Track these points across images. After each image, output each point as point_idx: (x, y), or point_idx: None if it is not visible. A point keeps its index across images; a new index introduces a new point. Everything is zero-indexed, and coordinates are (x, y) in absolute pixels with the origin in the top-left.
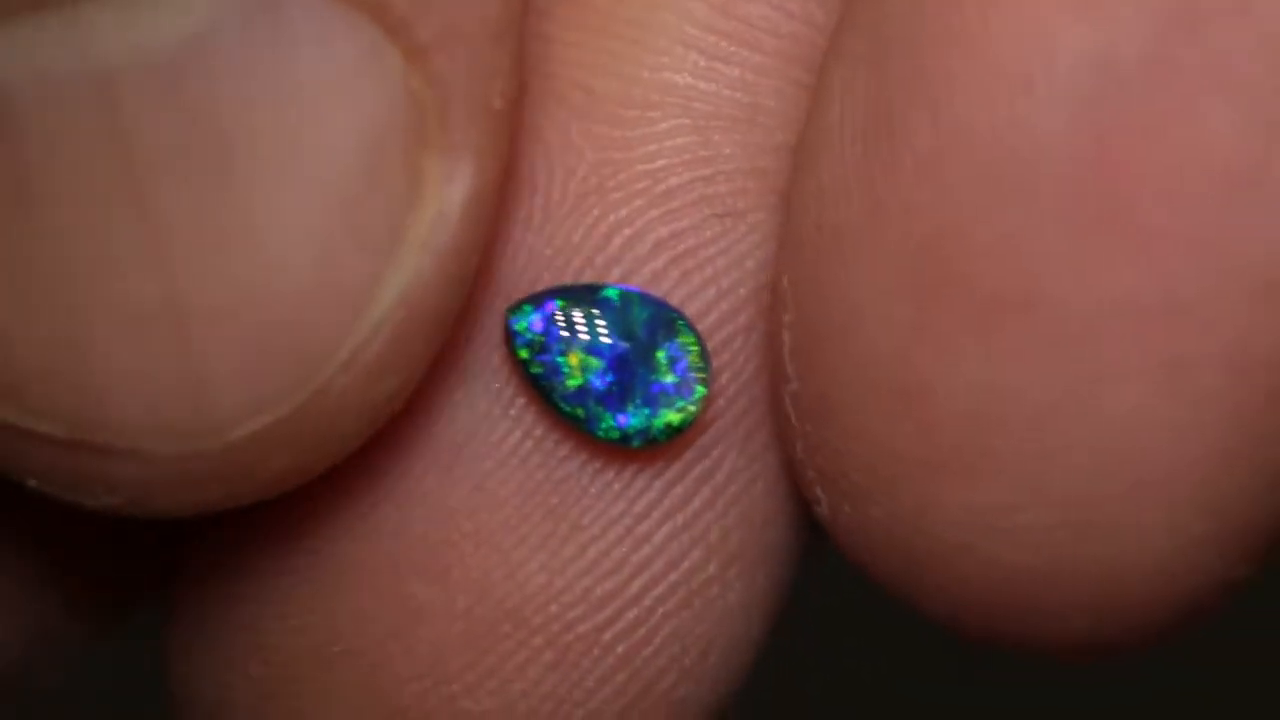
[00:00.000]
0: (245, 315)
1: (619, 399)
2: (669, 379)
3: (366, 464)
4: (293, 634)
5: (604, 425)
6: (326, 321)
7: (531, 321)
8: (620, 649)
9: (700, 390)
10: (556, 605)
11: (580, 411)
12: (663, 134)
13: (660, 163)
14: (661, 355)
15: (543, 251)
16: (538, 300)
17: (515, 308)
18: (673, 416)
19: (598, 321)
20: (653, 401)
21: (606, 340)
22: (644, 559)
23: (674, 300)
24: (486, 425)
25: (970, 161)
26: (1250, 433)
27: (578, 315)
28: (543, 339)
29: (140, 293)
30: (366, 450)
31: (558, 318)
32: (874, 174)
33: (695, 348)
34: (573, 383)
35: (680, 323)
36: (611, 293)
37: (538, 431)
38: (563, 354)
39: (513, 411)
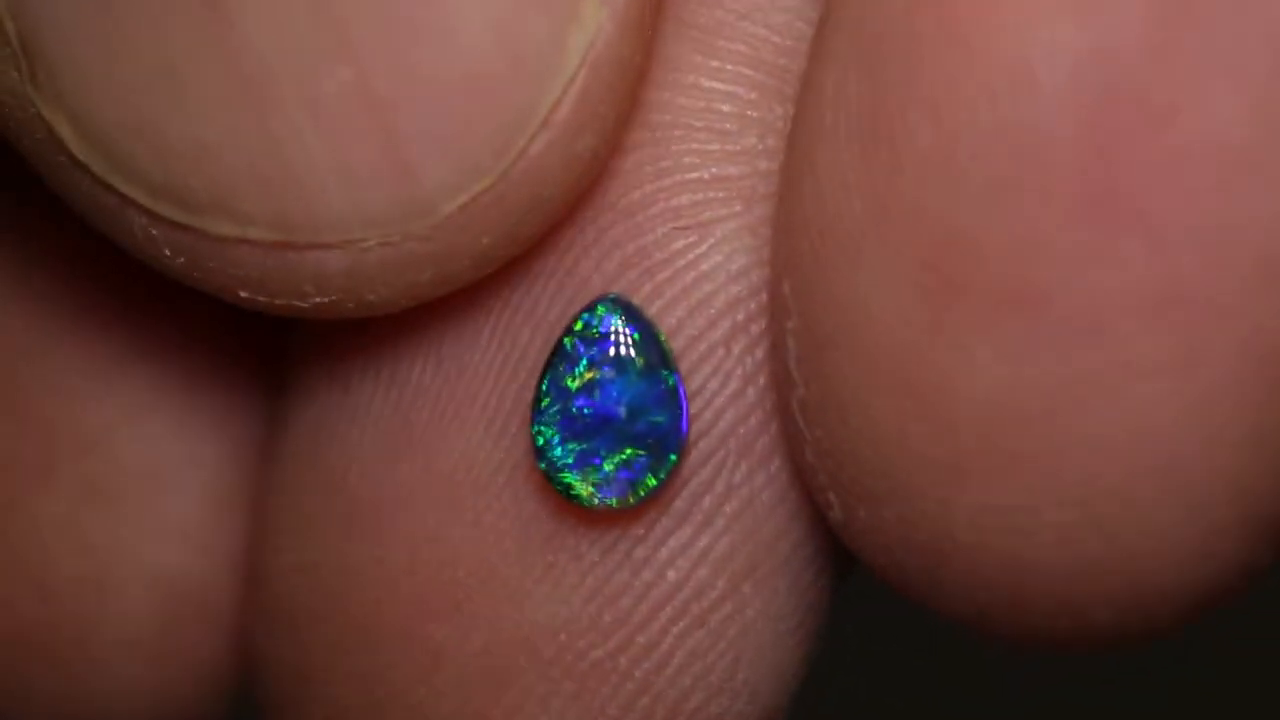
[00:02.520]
0: (436, 90)
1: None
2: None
3: (377, 505)
4: (341, 682)
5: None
6: (517, 85)
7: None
8: (638, 673)
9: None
10: (565, 634)
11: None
12: (622, 147)
13: (621, 177)
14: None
15: (517, 276)
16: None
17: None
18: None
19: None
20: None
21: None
22: (646, 582)
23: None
24: (480, 458)
25: (974, 160)
26: (1269, 417)
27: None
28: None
29: (332, 82)
30: (376, 492)
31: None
32: (875, 176)
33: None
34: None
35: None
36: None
37: (527, 461)
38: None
39: (503, 442)
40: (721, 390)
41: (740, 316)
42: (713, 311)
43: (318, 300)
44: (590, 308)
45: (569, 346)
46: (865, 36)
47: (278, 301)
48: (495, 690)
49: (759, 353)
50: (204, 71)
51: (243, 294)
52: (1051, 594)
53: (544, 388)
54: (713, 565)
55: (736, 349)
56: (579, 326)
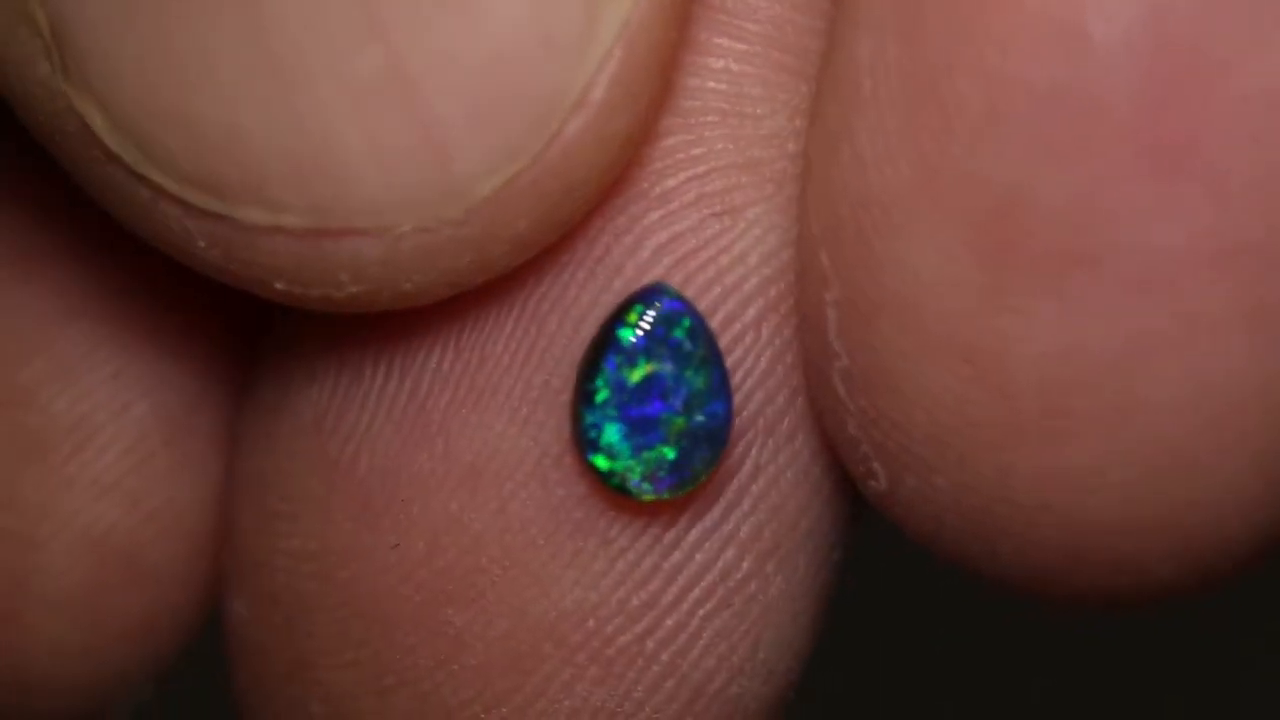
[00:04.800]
0: (468, 72)
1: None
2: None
3: (391, 493)
4: (347, 669)
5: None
6: (549, 67)
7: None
8: (665, 656)
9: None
10: (594, 620)
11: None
12: (652, 135)
13: (652, 165)
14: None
15: (545, 265)
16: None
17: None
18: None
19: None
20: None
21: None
22: (675, 565)
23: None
24: (504, 447)
25: (1027, 119)
26: None
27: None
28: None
29: (364, 64)
30: (390, 478)
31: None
32: (923, 141)
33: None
34: (635, 376)
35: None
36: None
37: (555, 449)
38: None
39: (529, 430)
40: (753, 371)
41: (771, 296)
42: (745, 294)
43: (353, 290)
44: (643, 297)
45: (626, 338)
46: (904, 2)
47: (313, 292)
48: (517, 676)
49: (787, 331)
50: (235, 56)
51: (278, 285)
52: (1111, 553)
53: (598, 380)
54: (740, 546)
55: (766, 330)
56: (633, 317)
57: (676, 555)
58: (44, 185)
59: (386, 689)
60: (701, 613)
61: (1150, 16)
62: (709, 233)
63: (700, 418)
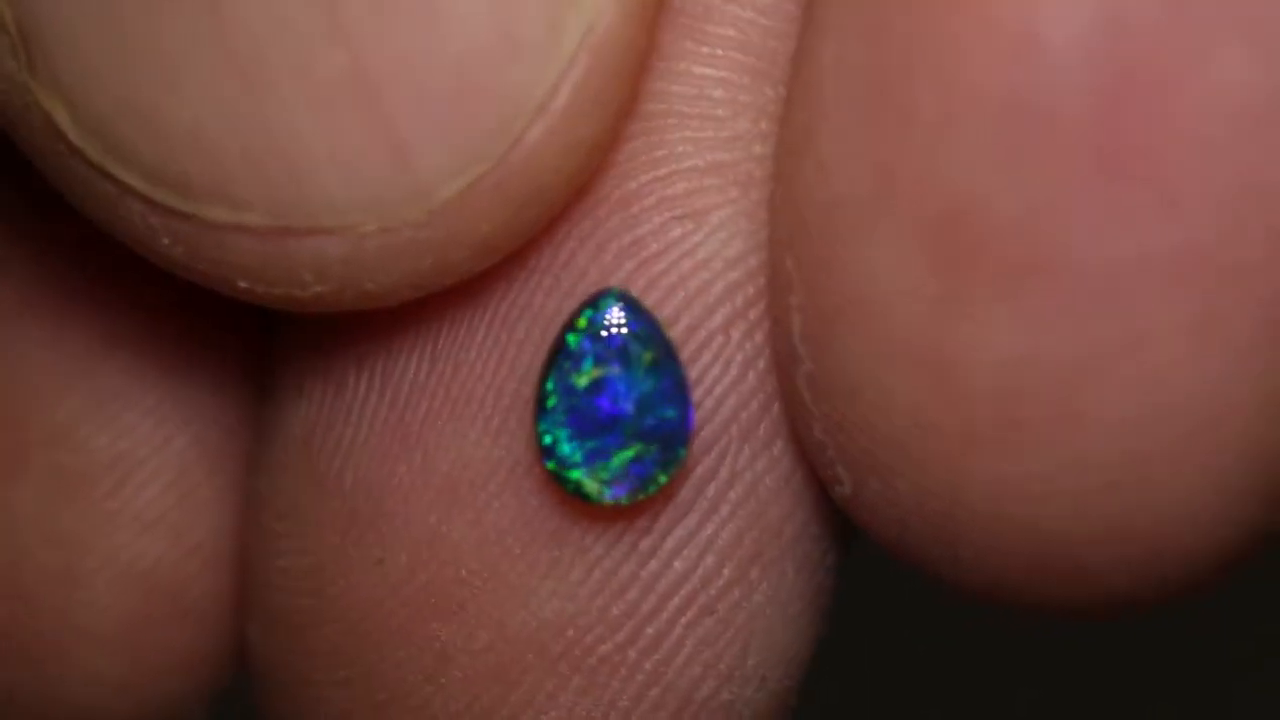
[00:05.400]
0: (431, 74)
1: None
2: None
3: (376, 507)
4: (342, 686)
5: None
6: (512, 70)
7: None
8: (648, 665)
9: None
10: (574, 629)
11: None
12: (616, 138)
13: (616, 168)
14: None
15: (513, 272)
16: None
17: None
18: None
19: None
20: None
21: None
22: (653, 573)
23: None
24: (478, 457)
25: (982, 126)
26: None
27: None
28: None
29: (326, 66)
30: (374, 493)
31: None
32: (881, 146)
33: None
34: (581, 381)
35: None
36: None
37: (528, 458)
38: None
39: (502, 440)
40: (722, 377)
41: (739, 302)
42: (711, 299)
43: (317, 290)
44: (593, 303)
45: (573, 343)
46: (866, 5)
47: (276, 291)
48: (503, 688)
49: (759, 337)
50: (199, 55)
51: (242, 284)
52: (1068, 561)
53: (549, 386)
54: (719, 553)
55: (736, 334)
56: (582, 323)
57: (653, 564)
58: (73, 222)
59: (379, 704)
60: (683, 620)
61: (1105, 25)
62: (672, 236)
63: (651, 420)
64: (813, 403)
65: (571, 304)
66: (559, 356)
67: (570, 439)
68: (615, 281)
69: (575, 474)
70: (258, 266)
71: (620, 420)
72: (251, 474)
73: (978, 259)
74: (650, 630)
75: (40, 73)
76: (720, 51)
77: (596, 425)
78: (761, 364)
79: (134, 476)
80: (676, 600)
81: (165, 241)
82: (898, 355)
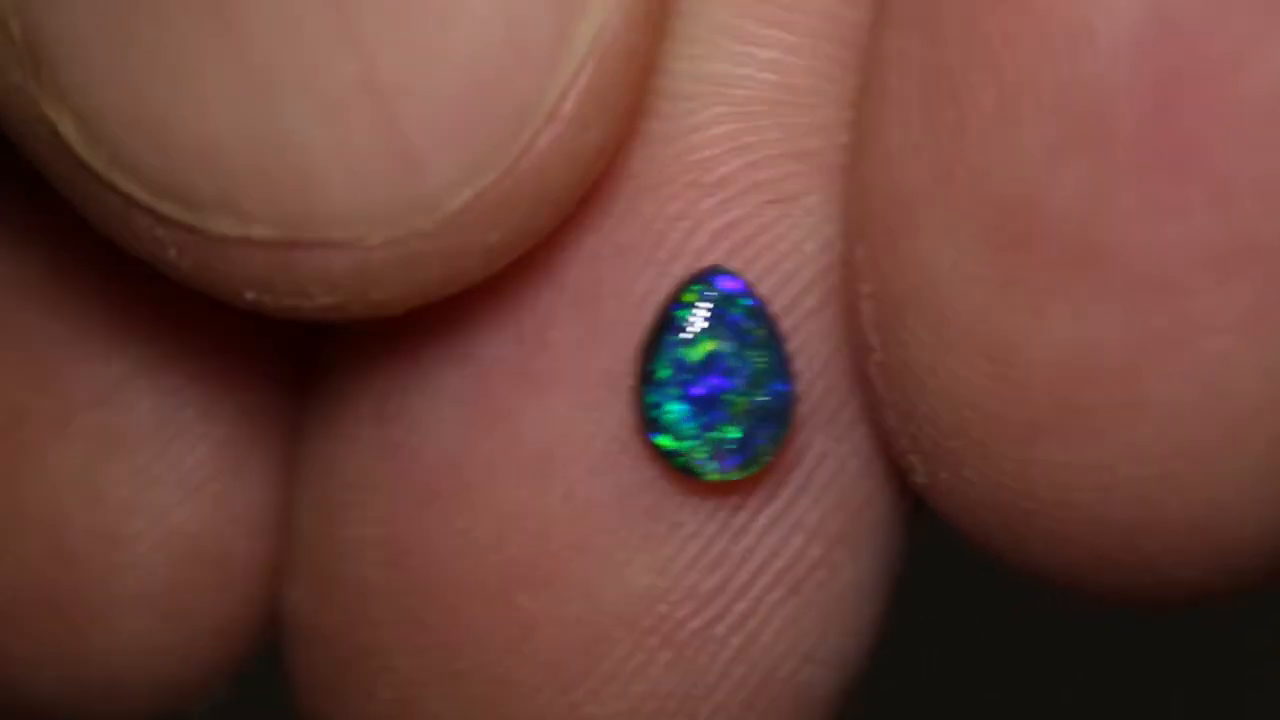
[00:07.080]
0: (441, 83)
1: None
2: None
3: (458, 479)
4: (417, 655)
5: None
6: (521, 79)
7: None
8: (735, 641)
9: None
10: (665, 605)
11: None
12: (705, 123)
13: (706, 153)
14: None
15: (601, 252)
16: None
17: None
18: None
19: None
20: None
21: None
22: (745, 550)
23: None
24: (570, 432)
25: (1037, 118)
26: None
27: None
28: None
29: (337, 75)
30: (456, 465)
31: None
32: (939, 138)
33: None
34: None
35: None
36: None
37: (621, 434)
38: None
39: (594, 416)
40: (814, 359)
41: (829, 285)
42: (803, 282)
43: (323, 301)
44: (701, 279)
45: (683, 318)
46: (927, 1)
47: (283, 303)
48: (589, 660)
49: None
50: (208, 65)
51: (248, 295)
52: (1134, 553)
53: (657, 360)
54: (807, 533)
55: (826, 318)
56: (691, 297)
57: (746, 540)
58: None
59: (458, 673)
60: (771, 599)
61: (1155, 15)
62: (765, 219)
63: (763, 397)
64: (884, 391)
65: (667, 283)
66: (666, 331)
67: (682, 413)
68: (709, 262)
69: (686, 446)
70: (264, 279)
71: (733, 395)
72: (307, 444)
73: (1034, 249)
74: (740, 607)
75: (46, 83)
76: (806, 40)
77: (709, 400)
78: (848, 350)
79: (179, 440)
80: (766, 578)
81: (172, 253)
82: (961, 345)
